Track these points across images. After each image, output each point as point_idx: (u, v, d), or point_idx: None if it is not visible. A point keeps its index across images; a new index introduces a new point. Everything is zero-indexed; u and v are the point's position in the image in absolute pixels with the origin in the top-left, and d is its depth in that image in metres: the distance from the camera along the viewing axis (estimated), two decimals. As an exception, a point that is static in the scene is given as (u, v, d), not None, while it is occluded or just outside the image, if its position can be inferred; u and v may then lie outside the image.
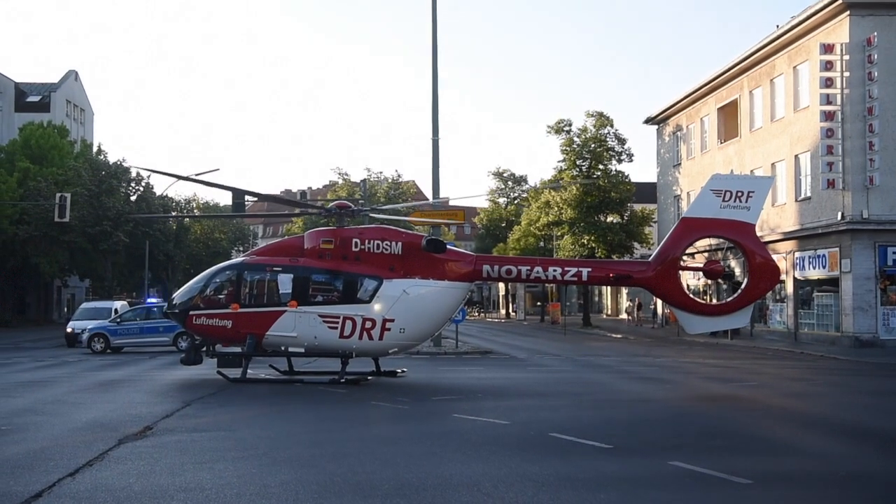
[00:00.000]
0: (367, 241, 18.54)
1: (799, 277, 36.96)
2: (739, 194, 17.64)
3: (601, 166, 55.59)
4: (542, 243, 65.66)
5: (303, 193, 47.36)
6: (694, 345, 37.30)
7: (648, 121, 54.94)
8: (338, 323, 18.17)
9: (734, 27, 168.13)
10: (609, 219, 56.47)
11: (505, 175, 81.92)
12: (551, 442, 11.28)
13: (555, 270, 18.85)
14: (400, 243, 18.58)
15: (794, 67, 37.32)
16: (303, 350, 18.86)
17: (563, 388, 18.81)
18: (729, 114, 44.52)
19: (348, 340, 18.30)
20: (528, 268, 19.10)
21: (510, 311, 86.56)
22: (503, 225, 79.42)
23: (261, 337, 18.50)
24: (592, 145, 55.19)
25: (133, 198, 63.28)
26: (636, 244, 56.40)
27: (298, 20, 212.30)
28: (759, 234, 38.89)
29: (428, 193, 37.90)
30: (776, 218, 38.80)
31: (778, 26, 39.02)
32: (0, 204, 53.22)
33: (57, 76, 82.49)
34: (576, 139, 55.72)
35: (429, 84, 32.62)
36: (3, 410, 14.81)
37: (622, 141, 56.07)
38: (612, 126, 55.72)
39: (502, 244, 75.07)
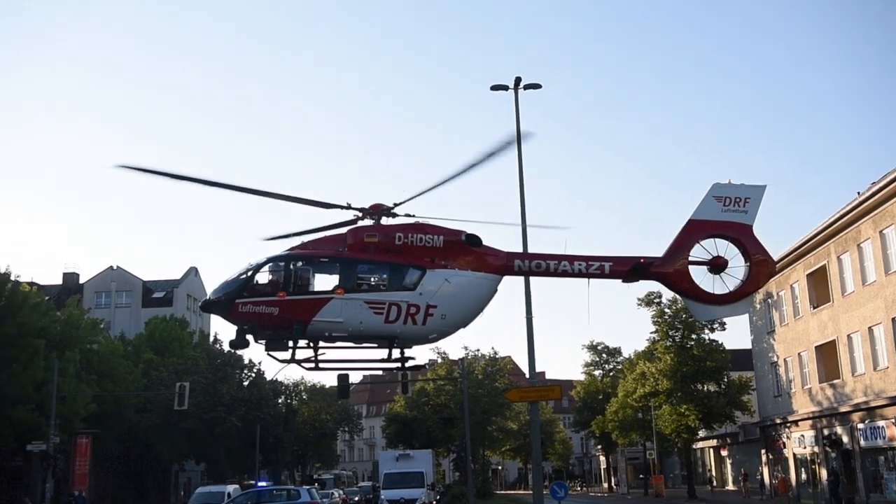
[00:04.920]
0: (409, 235, 18.90)
1: (911, 443, 34.58)
2: (738, 200, 19.13)
3: (694, 336, 54.47)
4: (640, 414, 63.67)
5: (404, 374, 47.33)
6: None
7: (738, 289, 53.85)
8: (384, 308, 18.31)
9: (813, 195, 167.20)
10: (707, 387, 54.72)
11: (599, 348, 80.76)
12: None
13: (580, 265, 19.51)
14: (441, 237, 18.96)
15: (880, 232, 36.42)
16: (346, 335, 18.71)
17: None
18: (819, 279, 43.38)
19: (393, 325, 18.36)
20: (556, 262, 19.76)
21: (612, 484, 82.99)
22: (600, 397, 77.46)
23: (307, 323, 18.36)
24: (683, 315, 54.29)
25: (245, 383, 64.50)
26: (738, 412, 54.13)
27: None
28: (863, 398, 37.37)
29: (523, 366, 37.44)
30: (880, 382, 36.84)
31: (859, 193, 38.49)
32: (127, 394, 54.80)
33: (179, 273, 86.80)
34: (666, 310, 55.00)
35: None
36: None
37: (714, 310, 55.01)
38: (702, 296, 54.87)
39: (601, 416, 73.05)
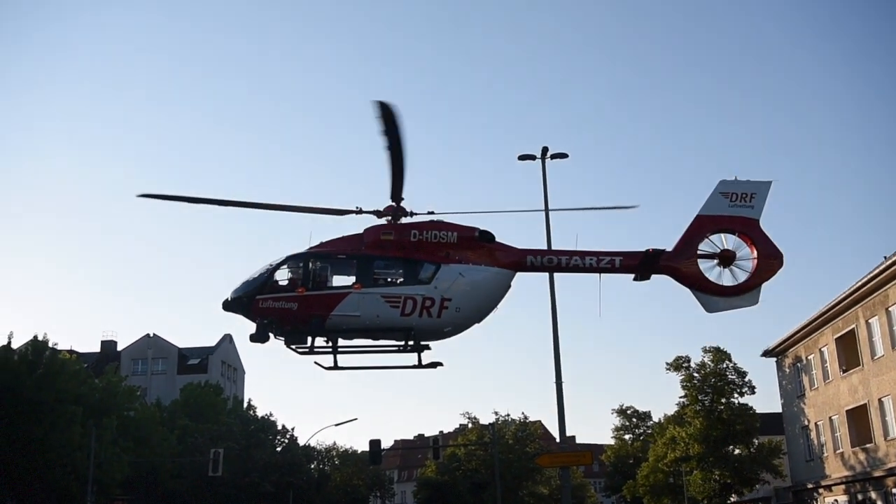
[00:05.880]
0: (424, 232, 19.20)
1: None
2: (744, 195, 19.38)
3: (723, 400, 53.64)
4: (671, 479, 62.40)
5: (435, 440, 47.42)
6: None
7: (766, 353, 53.23)
8: (399, 302, 18.62)
9: (840, 259, 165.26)
10: (736, 451, 53.67)
11: (629, 412, 79.66)
12: None
13: (591, 259, 19.60)
14: (455, 233, 19.27)
15: (908, 295, 35.96)
16: (363, 328, 18.88)
17: None
18: (847, 343, 42.69)
19: (409, 318, 18.61)
20: (567, 257, 19.90)
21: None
22: (631, 462, 76.10)
23: (325, 317, 18.66)
24: (713, 380, 53.61)
25: (279, 449, 64.23)
26: (769, 475, 52.90)
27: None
28: (897, 465, 36.44)
29: (554, 430, 37.00)
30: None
31: (886, 257, 38.11)
32: (162, 460, 54.68)
33: (214, 340, 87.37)
34: (695, 374, 54.34)
35: (549, 333, 32.45)
36: None
37: (742, 374, 54.29)
38: (730, 360, 54.22)
39: (632, 481, 71.72)
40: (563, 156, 30.51)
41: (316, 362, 19.47)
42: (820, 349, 46.07)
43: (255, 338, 19.40)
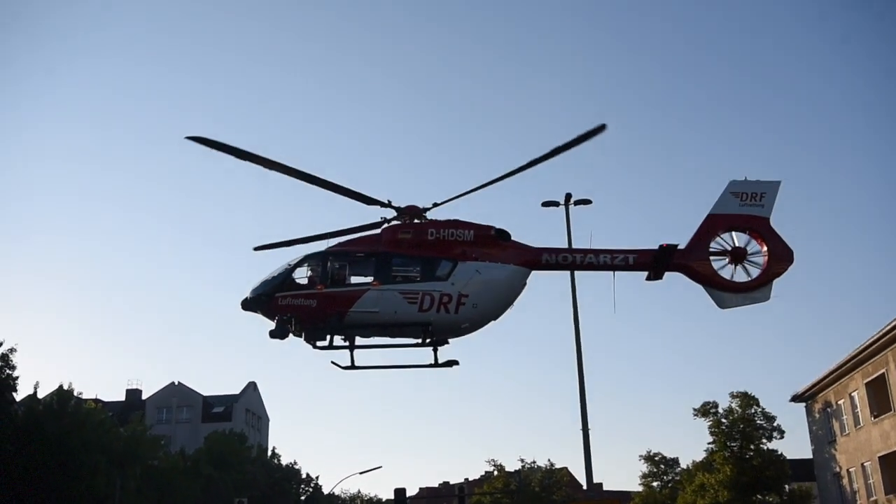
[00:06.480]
0: (441, 230, 19.64)
1: None
2: (754, 195, 19.89)
3: (752, 446, 52.63)
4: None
5: (460, 488, 46.90)
6: None
7: (795, 398, 52.26)
8: (417, 298, 18.94)
9: (866, 302, 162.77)
10: (768, 498, 52.48)
11: (656, 458, 78.28)
12: None
13: (605, 257, 20.01)
14: (472, 231, 19.73)
15: (938, 338, 35.31)
16: (382, 324, 19.12)
17: None
18: (878, 388, 41.87)
19: (427, 313, 18.91)
20: (582, 255, 20.34)
21: None
22: (660, 510, 74.50)
23: (345, 314, 18.91)
24: (741, 426, 52.68)
25: (303, 498, 63.76)
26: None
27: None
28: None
29: (580, 477, 36.38)
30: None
31: (914, 300, 37.54)
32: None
33: (238, 387, 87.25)
34: (723, 420, 53.45)
35: (575, 378, 32.05)
36: None
37: (770, 419, 53.34)
38: (758, 405, 53.33)
39: (661, 530, 70.21)
40: (587, 202, 30.46)
41: (333, 362, 19.63)
42: (850, 394, 45.24)
43: (274, 334, 19.63)
